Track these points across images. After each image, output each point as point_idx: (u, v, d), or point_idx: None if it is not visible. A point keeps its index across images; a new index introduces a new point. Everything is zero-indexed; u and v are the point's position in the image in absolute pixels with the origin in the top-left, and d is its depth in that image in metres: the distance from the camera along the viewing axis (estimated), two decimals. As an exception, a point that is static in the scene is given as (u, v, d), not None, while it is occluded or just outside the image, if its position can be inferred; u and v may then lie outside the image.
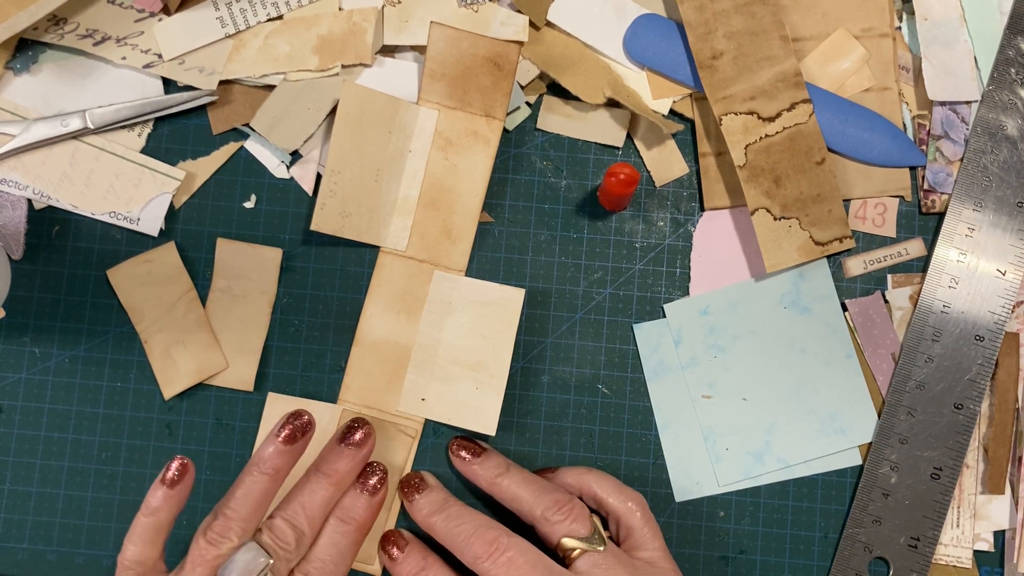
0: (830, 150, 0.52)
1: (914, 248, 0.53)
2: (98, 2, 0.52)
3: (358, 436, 0.48)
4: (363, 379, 0.51)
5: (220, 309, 0.52)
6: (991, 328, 0.51)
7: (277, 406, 0.51)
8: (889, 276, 0.53)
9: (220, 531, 0.44)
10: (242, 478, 0.46)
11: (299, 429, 0.46)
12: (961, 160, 0.52)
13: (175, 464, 0.45)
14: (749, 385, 0.52)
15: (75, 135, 0.52)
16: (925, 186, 0.53)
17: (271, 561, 0.44)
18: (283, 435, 0.46)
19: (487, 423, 0.51)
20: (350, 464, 0.47)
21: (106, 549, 0.52)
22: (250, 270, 0.52)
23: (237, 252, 0.52)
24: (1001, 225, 0.51)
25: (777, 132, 0.51)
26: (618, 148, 0.53)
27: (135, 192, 0.52)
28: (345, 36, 0.52)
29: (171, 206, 0.53)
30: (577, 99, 0.52)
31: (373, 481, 0.48)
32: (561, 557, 0.46)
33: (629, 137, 0.53)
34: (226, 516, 0.44)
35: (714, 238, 0.53)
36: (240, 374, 0.52)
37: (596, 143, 0.53)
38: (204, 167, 0.53)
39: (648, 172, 0.53)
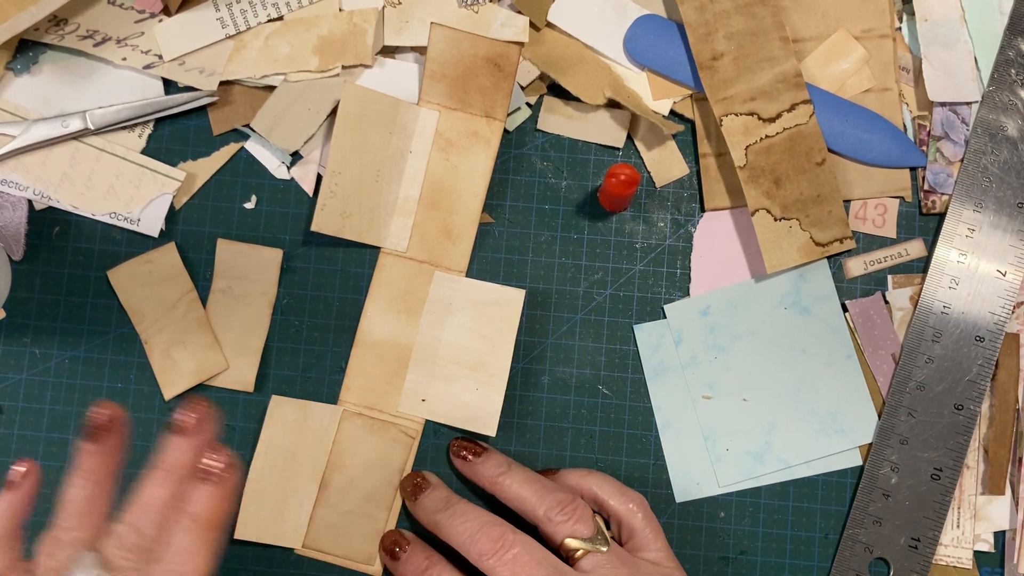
0: (830, 151, 0.52)
1: (914, 249, 0.53)
2: (98, 3, 0.52)
3: (189, 420, 0.42)
4: (363, 380, 0.51)
5: (220, 310, 0.52)
6: (991, 329, 0.51)
7: (280, 409, 0.51)
8: (889, 277, 0.53)
9: (51, 546, 0.41)
10: (64, 488, 0.42)
11: (99, 426, 0.42)
12: (961, 161, 0.52)
13: (19, 468, 0.43)
14: (749, 385, 0.52)
15: (75, 136, 0.52)
16: (925, 187, 0.53)
17: (106, 574, 0.40)
18: (83, 433, 0.43)
19: (487, 424, 0.51)
20: (187, 455, 0.42)
21: (106, 550, 0.52)
22: (250, 271, 0.52)
23: (237, 253, 0.52)
24: (1001, 226, 0.52)
25: (777, 133, 0.51)
26: (618, 149, 0.53)
27: (135, 193, 0.52)
28: (345, 37, 0.52)
29: (171, 207, 0.53)
30: (577, 100, 0.52)
31: (216, 468, 0.42)
32: (564, 557, 0.46)
33: (629, 138, 0.53)
34: (56, 528, 0.42)
35: (714, 239, 0.53)
36: (240, 375, 0.52)
37: (596, 144, 0.53)
38: (204, 168, 0.53)
39: (648, 173, 0.53)
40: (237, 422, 0.52)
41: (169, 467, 0.42)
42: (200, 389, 0.52)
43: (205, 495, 0.42)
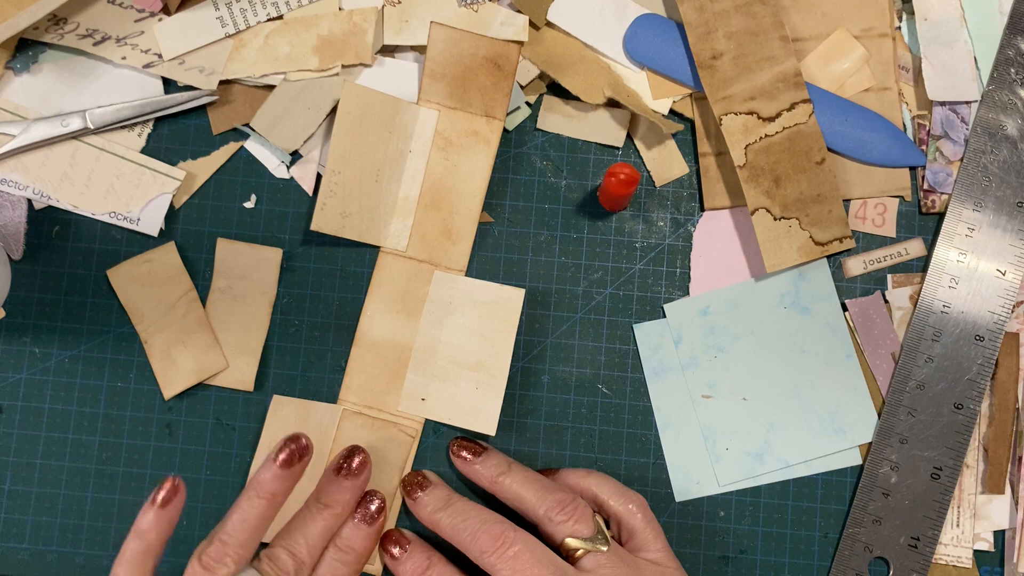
0: (830, 150, 0.52)
1: (914, 248, 0.53)
2: (98, 2, 0.52)
3: (355, 464, 0.48)
4: (363, 379, 0.51)
5: (220, 309, 0.52)
6: (991, 328, 0.51)
7: (281, 408, 0.51)
8: (889, 276, 0.53)
9: (216, 556, 0.44)
10: (239, 503, 0.45)
11: (297, 453, 0.46)
12: (961, 160, 0.52)
13: (167, 485, 0.44)
14: (749, 385, 0.52)
15: (75, 135, 0.52)
16: (925, 186, 0.53)
17: None
18: (280, 459, 0.46)
19: (487, 423, 0.51)
20: (348, 494, 0.48)
21: (106, 549, 0.52)
22: (250, 270, 0.52)
23: (237, 252, 0.52)
24: (1001, 225, 0.52)
25: (777, 132, 0.51)
26: (618, 148, 0.53)
27: (135, 192, 0.52)
28: (345, 36, 0.52)
29: (171, 206, 0.53)
30: (577, 99, 0.52)
31: (372, 509, 0.48)
32: (565, 556, 0.46)
33: (629, 137, 0.53)
34: (222, 541, 0.44)
35: (714, 238, 0.53)
36: (240, 374, 0.52)
37: (596, 143, 0.53)
38: (204, 167, 0.53)
39: (648, 172, 0.53)
40: (237, 422, 0.52)
41: (331, 504, 0.47)
42: (200, 388, 0.52)
43: (362, 533, 0.48)
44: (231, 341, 0.52)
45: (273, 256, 0.52)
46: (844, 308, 0.52)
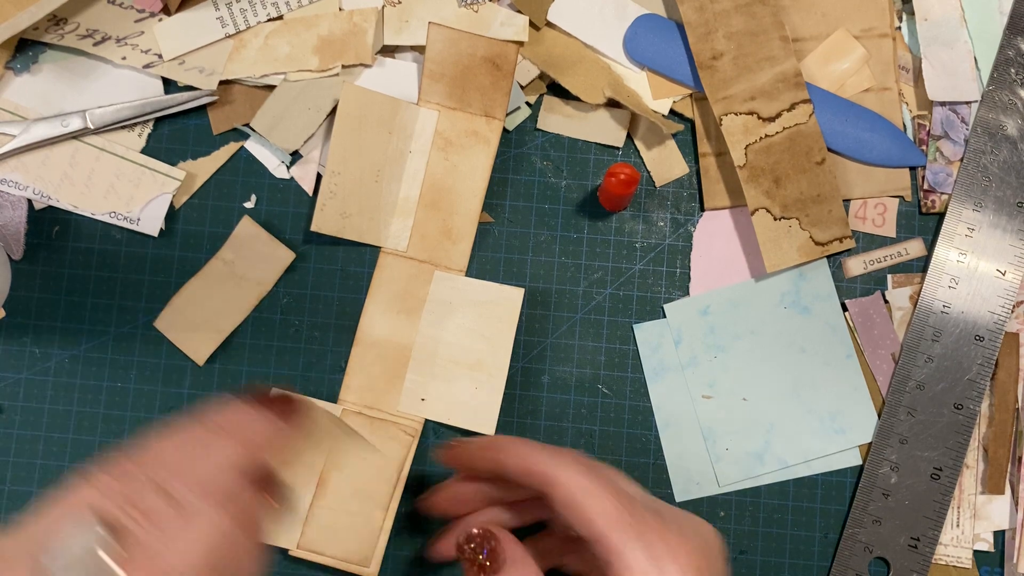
0: (830, 150, 0.52)
1: (914, 248, 0.53)
2: (98, 2, 0.52)
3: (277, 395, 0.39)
4: (363, 379, 0.51)
5: (213, 278, 0.52)
6: (991, 328, 0.51)
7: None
8: (889, 276, 0.53)
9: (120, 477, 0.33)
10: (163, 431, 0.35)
11: (276, 400, 0.38)
12: (961, 160, 0.52)
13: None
14: (749, 385, 0.52)
15: (75, 135, 0.52)
16: (925, 186, 0.53)
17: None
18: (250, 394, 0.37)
19: (487, 423, 0.51)
20: (254, 424, 0.37)
21: (106, 549, 0.52)
22: (259, 258, 0.52)
23: (255, 237, 0.52)
24: (1001, 225, 0.52)
25: (777, 132, 0.51)
26: (618, 148, 0.53)
27: (135, 192, 0.52)
28: (345, 36, 0.52)
29: (171, 206, 0.53)
30: (577, 99, 0.52)
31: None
32: None
33: (629, 137, 0.53)
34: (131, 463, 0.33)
35: (714, 238, 0.53)
36: (195, 345, 0.52)
37: (596, 143, 0.53)
38: (204, 167, 0.53)
39: (648, 172, 0.53)
40: (237, 421, 0.52)
41: (240, 432, 0.36)
42: (200, 390, 0.52)
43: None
44: (207, 310, 0.52)
45: (284, 256, 0.52)
46: (844, 308, 0.52)
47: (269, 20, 0.53)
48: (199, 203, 0.53)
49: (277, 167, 0.53)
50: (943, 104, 0.53)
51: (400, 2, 0.53)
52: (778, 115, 0.51)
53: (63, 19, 0.52)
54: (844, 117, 0.52)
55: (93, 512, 0.32)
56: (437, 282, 0.51)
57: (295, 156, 0.53)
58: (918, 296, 0.52)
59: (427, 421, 0.52)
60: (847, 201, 0.53)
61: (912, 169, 0.53)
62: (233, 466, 0.34)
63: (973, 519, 0.51)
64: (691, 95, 0.53)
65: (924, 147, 0.53)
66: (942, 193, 0.53)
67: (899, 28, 0.54)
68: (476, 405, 0.51)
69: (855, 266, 0.53)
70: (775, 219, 0.51)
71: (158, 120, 0.53)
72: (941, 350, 0.51)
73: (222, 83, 0.53)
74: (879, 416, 0.51)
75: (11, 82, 0.53)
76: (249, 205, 0.53)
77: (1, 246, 0.51)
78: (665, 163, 0.53)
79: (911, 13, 0.53)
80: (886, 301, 0.52)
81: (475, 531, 0.39)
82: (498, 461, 0.40)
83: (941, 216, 0.52)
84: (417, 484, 0.52)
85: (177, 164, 0.53)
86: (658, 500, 0.40)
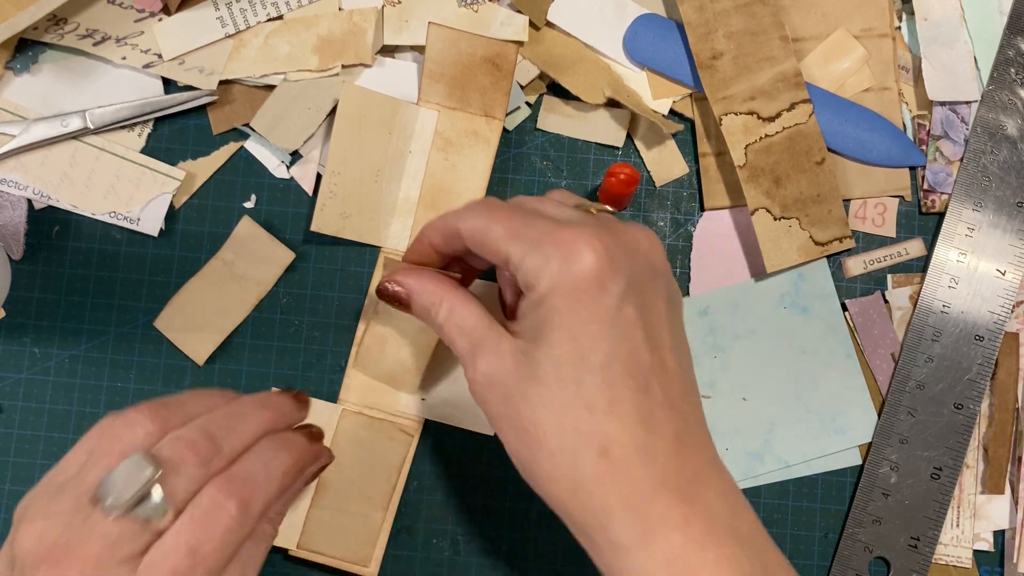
0: (830, 150, 0.52)
1: (914, 248, 0.53)
2: (98, 2, 0.52)
3: (303, 394, 0.44)
4: (363, 379, 0.51)
5: (213, 278, 0.52)
6: (991, 328, 0.51)
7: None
8: (889, 276, 0.53)
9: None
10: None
11: (295, 397, 0.43)
12: (961, 160, 0.52)
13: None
14: (749, 385, 0.52)
15: (75, 135, 0.52)
16: (925, 186, 0.53)
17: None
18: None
19: (486, 423, 0.51)
20: (293, 406, 0.43)
21: (106, 549, 0.52)
22: (258, 258, 0.52)
23: (255, 237, 0.52)
24: (1001, 225, 0.52)
25: (777, 132, 0.51)
26: (618, 148, 0.53)
27: (135, 192, 0.52)
28: (345, 36, 0.52)
29: (171, 206, 0.53)
30: (577, 99, 0.52)
31: (314, 430, 0.43)
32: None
33: (629, 137, 0.53)
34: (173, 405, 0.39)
35: (714, 238, 0.53)
36: (195, 345, 0.52)
37: (596, 143, 0.53)
38: (204, 167, 0.53)
39: (648, 172, 0.53)
40: (237, 421, 0.52)
41: (271, 406, 0.41)
42: (151, 344, 0.52)
43: (301, 438, 0.41)
44: (207, 310, 0.52)
45: (284, 256, 0.52)
46: (844, 308, 0.52)
47: (269, 20, 0.53)
48: (199, 203, 0.53)
49: (277, 167, 0.53)
50: (943, 104, 0.53)
51: (400, 2, 0.53)
52: (778, 115, 0.51)
53: (63, 19, 0.52)
54: (844, 117, 0.52)
55: (143, 449, 0.36)
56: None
57: (295, 156, 0.53)
58: (918, 296, 0.52)
59: (427, 421, 0.52)
60: (847, 201, 0.53)
61: (912, 169, 0.53)
62: (262, 431, 0.40)
63: (973, 519, 0.51)
64: (691, 95, 0.53)
65: (924, 147, 0.53)
66: (942, 193, 0.53)
67: (899, 28, 0.54)
68: (476, 405, 0.51)
69: (855, 266, 0.53)
70: (775, 219, 0.51)
71: (158, 120, 0.53)
72: (941, 350, 0.51)
73: (222, 83, 0.52)
74: (879, 416, 0.51)
75: (11, 82, 0.53)
76: (249, 205, 0.53)
77: (1, 246, 0.51)
78: (665, 163, 0.53)
79: (911, 13, 0.53)
80: (886, 301, 0.52)
81: (382, 287, 0.43)
82: (422, 249, 0.43)
83: (941, 216, 0.52)
84: (417, 484, 0.52)
85: (177, 164, 0.53)
86: (594, 220, 0.40)
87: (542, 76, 0.53)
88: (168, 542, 0.35)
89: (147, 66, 0.52)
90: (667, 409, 0.38)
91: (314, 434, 0.43)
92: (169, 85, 0.53)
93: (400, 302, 0.43)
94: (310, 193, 0.53)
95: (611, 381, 0.37)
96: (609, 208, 0.43)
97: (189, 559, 0.35)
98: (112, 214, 0.52)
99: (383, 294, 0.44)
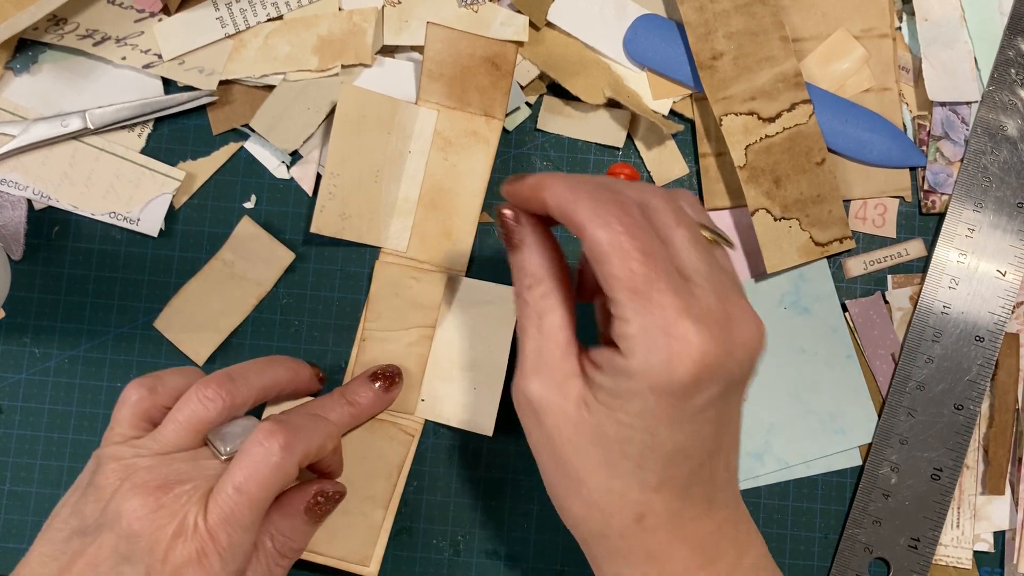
0: (830, 150, 0.52)
1: (914, 249, 0.53)
2: (98, 2, 0.52)
3: (392, 374, 0.50)
4: (363, 379, 0.51)
5: (213, 278, 0.52)
6: (991, 329, 0.51)
7: (280, 404, 0.51)
8: (889, 277, 0.53)
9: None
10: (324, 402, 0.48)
11: (390, 377, 0.49)
12: (961, 161, 0.52)
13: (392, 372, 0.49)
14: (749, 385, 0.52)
15: (75, 135, 0.52)
16: (925, 187, 0.53)
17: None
18: (379, 385, 0.49)
19: (485, 424, 0.51)
20: (374, 398, 0.49)
21: (106, 549, 0.52)
22: (258, 259, 0.52)
23: (255, 237, 0.52)
24: (1001, 226, 0.51)
25: (777, 133, 0.51)
26: (618, 148, 0.53)
27: (135, 192, 0.52)
28: (345, 36, 0.52)
29: (171, 206, 0.53)
30: (577, 99, 0.52)
31: (390, 384, 0.49)
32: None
33: (629, 137, 0.53)
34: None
35: (714, 238, 0.53)
36: (196, 346, 0.52)
37: (596, 143, 0.53)
38: (204, 167, 0.53)
39: (648, 172, 0.53)
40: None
41: (354, 402, 0.49)
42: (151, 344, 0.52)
43: (372, 391, 0.49)
44: (207, 310, 0.52)
45: (284, 256, 0.52)
46: (844, 308, 0.52)
47: (269, 20, 0.53)
48: (199, 203, 0.53)
49: (277, 167, 0.53)
50: (943, 104, 0.53)
51: (400, 2, 0.53)
52: (778, 115, 0.51)
53: (63, 19, 0.52)
54: (844, 117, 0.52)
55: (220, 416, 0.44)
56: (437, 283, 0.51)
57: (295, 156, 0.53)
58: (918, 296, 0.52)
59: (427, 421, 0.52)
60: (847, 201, 0.53)
61: (912, 169, 0.53)
62: (346, 425, 0.49)
63: (973, 519, 0.51)
64: (691, 95, 0.53)
65: (924, 147, 0.53)
66: (942, 193, 0.52)
67: (899, 28, 0.54)
68: (475, 405, 0.51)
69: (855, 266, 0.53)
70: (775, 219, 0.51)
71: (158, 120, 0.53)
72: (941, 351, 0.51)
73: (222, 83, 0.53)
74: (879, 416, 0.51)
75: (11, 82, 0.53)
76: (249, 205, 0.53)
77: (1, 246, 0.52)
78: (665, 163, 0.53)
79: (911, 13, 0.53)
80: (886, 301, 0.52)
81: (505, 211, 0.40)
82: (542, 201, 0.38)
83: (941, 216, 0.52)
84: (417, 484, 0.52)
85: (177, 164, 0.53)
86: (723, 274, 0.38)
87: (542, 76, 0.53)
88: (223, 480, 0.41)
89: (147, 66, 0.52)
90: (707, 481, 0.39)
91: (388, 385, 0.50)
92: (169, 85, 0.53)
93: (508, 239, 0.41)
94: (310, 193, 0.53)
95: (670, 468, 0.38)
96: (726, 238, 0.40)
97: (236, 495, 0.40)
98: (112, 214, 0.52)
99: (503, 219, 0.40)
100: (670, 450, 0.37)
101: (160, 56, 0.52)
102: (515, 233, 0.40)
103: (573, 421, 0.38)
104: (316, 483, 0.45)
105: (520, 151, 0.53)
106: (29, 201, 0.53)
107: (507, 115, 0.52)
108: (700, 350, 0.35)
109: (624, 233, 0.36)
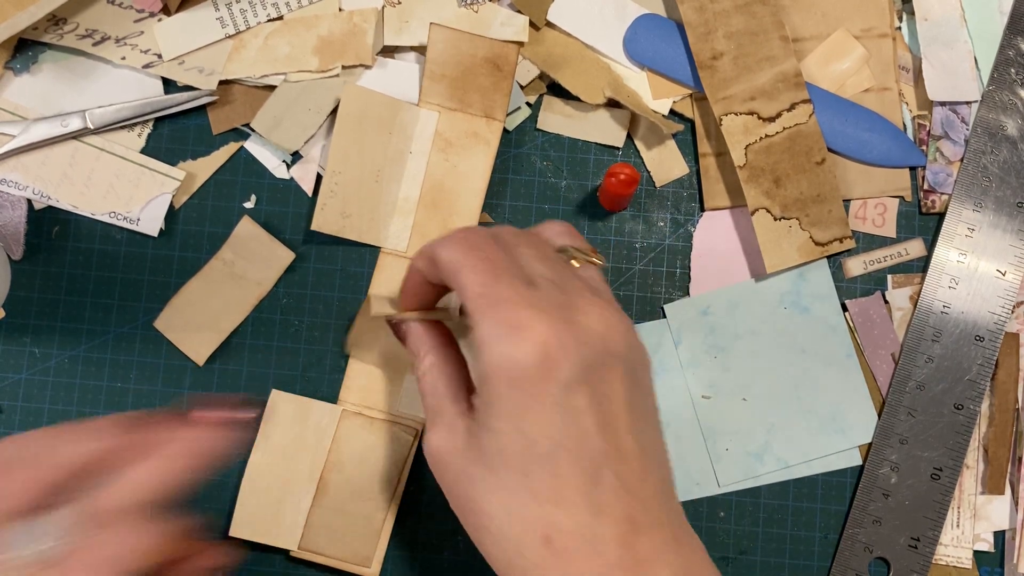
0: (830, 150, 0.52)
1: (914, 248, 0.53)
2: (98, 2, 0.52)
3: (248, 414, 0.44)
4: (363, 379, 0.51)
5: (213, 278, 0.52)
6: (991, 328, 0.51)
7: (281, 404, 0.51)
8: (889, 276, 0.53)
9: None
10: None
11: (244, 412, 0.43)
12: (961, 160, 0.52)
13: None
14: (749, 385, 0.52)
15: (75, 135, 0.52)
16: (925, 186, 0.53)
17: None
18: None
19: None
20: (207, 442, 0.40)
21: (106, 549, 0.52)
22: (258, 258, 0.52)
23: (255, 237, 0.52)
24: (1001, 225, 0.52)
25: (777, 132, 0.51)
26: (618, 148, 0.53)
27: (135, 192, 0.52)
28: (345, 37, 0.52)
29: (171, 206, 0.53)
30: (577, 99, 0.52)
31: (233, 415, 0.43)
32: None
33: (629, 137, 0.53)
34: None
35: (714, 238, 0.53)
36: (195, 346, 0.52)
37: (596, 143, 0.53)
38: (204, 167, 0.53)
39: (648, 172, 0.53)
40: (237, 422, 0.52)
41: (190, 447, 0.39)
42: (200, 390, 0.52)
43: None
44: (207, 310, 0.52)
45: (284, 256, 0.52)
46: (844, 308, 0.52)
47: (269, 20, 0.53)
48: (199, 203, 0.53)
49: (277, 167, 0.53)
50: (943, 104, 0.53)
51: (400, 2, 0.53)
52: (778, 115, 0.51)
53: (63, 19, 0.52)
54: (844, 117, 0.52)
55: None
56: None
57: (295, 156, 0.53)
58: (918, 296, 0.52)
59: (427, 421, 0.52)
60: (847, 201, 0.53)
61: (912, 169, 0.53)
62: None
63: (973, 519, 0.51)
64: (691, 95, 0.53)
65: (924, 147, 0.53)
66: (942, 193, 0.53)
67: (899, 28, 0.54)
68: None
69: (855, 266, 0.53)
70: (775, 219, 0.51)
71: (158, 120, 0.53)
72: (941, 350, 0.51)
73: (222, 83, 0.52)
74: (879, 416, 0.51)
75: (11, 82, 0.53)
76: (249, 205, 0.53)
77: (1, 246, 0.51)
78: (665, 163, 0.53)
79: (911, 13, 0.53)
80: (886, 301, 0.52)
81: (389, 321, 0.45)
82: (419, 271, 0.41)
83: (941, 216, 0.52)
84: (417, 484, 0.52)
85: (177, 164, 0.53)
86: (577, 280, 0.39)
87: (542, 76, 0.53)
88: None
89: (147, 66, 0.52)
90: (621, 493, 0.37)
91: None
92: (169, 85, 0.53)
93: (397, 335, 0.45)
94: (310, 193, 0.53)
95: (556, 470, 0.36)
96: (597, 260, 0.42)
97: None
98: (112, 214, 0.52)
99: (389, 323, 0.45)
100: (547, 449, 0.36)
101: (160, 56, 0.52)
102: (399, 328, 0.44)
103: (463, 454, 0.38)
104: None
105: (520, 151, 0.53)
106: (29, 201, 0.53)
107: (507, 115, 0.52)
108: (540, 331, 0.36)
109: (471, 248, 0.38)
